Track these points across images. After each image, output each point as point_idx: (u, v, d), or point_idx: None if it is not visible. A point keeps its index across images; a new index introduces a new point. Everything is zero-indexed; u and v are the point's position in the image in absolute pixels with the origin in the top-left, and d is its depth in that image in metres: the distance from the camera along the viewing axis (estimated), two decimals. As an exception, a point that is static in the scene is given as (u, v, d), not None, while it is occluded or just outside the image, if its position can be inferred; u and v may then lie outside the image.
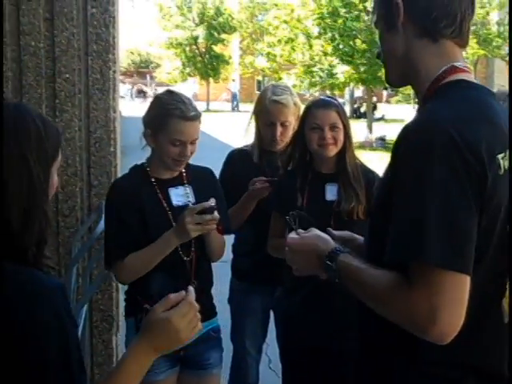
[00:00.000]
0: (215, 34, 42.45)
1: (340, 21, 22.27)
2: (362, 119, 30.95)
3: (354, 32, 21.98)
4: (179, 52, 43.02)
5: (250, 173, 3.17)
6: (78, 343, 1.47)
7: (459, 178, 1.46)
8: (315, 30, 22.64)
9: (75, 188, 3.87)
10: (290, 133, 3.33)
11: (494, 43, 47.29)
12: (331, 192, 3.03)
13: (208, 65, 42.87)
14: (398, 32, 1.71)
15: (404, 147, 1.56)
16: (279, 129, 3.29)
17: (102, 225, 3.48)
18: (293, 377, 3.19)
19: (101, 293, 3.92)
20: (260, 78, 48.57)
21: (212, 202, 2.62)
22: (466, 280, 1.47)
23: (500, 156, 1.55)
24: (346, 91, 25.78)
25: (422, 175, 1.48)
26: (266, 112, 3.31)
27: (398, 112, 33.10)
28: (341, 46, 22.27)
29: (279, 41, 24.22)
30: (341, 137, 2.99)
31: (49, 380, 1.35)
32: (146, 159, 2.83)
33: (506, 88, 4.17)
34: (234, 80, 46.13)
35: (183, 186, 2.79)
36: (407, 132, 1.59)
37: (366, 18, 21.99)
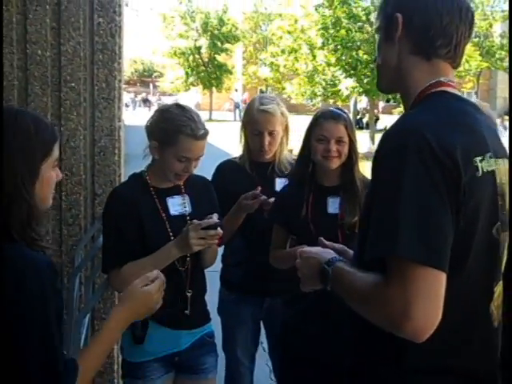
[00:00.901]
0: (218, 43, 42.52)
1: (343, 32, 22.37)
2: (365, 130, 31.00)
3: (357, 43, 22.06)
4: (182, 61, 43.08)
5: (241, 184, 3.17)
6: (61, 317, 1.65)
7: (433, 178, 1.50)
8: (319, 41, 22.72)
9: (79, 196, 3.88)
10: (278, 142, 3.35)
11: (497, 55, 47.36)
12: (333, 205, 3.02)
13: (211, 74, 42.91)
14: (393, 44, 1.77)
15: (382, 151, 1.62)
16: (267, 138, 3.30)
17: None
18: None
19: (103, 301, 3.92)
20: (263, 87, 48.69)
21: (215, 217, 2.66)
22: (441, 276, 1.49)
23: (478, 159, 1.60)
24: (351, 102, 25.76)
25: (397, 175, 1.52)
26: (254, 122, 3.32)
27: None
28: (344, 57, 22.35)
29: (282, 51, 24.32)
30: (345, 150, 2.99)
31: (27, 347, 1.53)
32: (146, 167, 2.83)
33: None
34: (236, 90, 46.19)
35: (181, 196, 2.81)
36: (385, 137, 1.64)
37: (369, 29, 22.07)
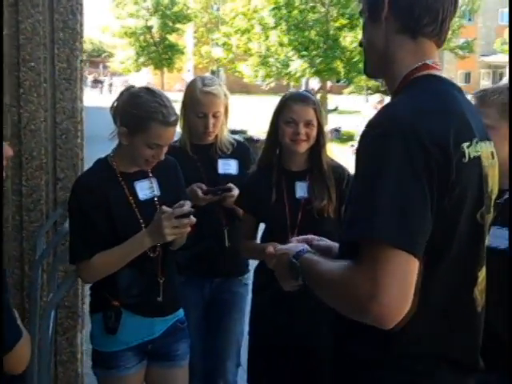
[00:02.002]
0: (170, 23, 42.03)
1: (295, 12, 22.31)
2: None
3: (309, 24, 22.04)
4: (133, 41, 42.48)
5: (183, 167, 3.00)
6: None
7: (415, 166, 1.48)
8: (271, 21, 22.61)
9: (40, 181, 3.73)
10: (220, 123, 3.30)
11: (445, 36, 48.24)
12: (301, 189, 2.98)
13: (162, 54, 42.42)
14: (380, 25, 1.74)
15: (366, 137, 1.60)
16: (211, 120, 3.25)
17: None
18: (259, 375, 3.16)
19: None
20: (214, 68, 48.40)
21: (187, 204, 2.59)
22: (413, 262, 1.45)
23: (465, 145, 1.59)
24: (302, 82, 25.79)
25: (380, 161, 1.51)
26: (198, 103, 3.24)
27: (351, 103, 33.27)
28: (296, 38, 22.31)
29: (236, 31, 24.13)
30: (314, 134, 2.94)
31: None
32: (112, 152, 2.74)
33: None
34: (189, 70, 45.82)
35: (148, 179, 2.73)
36: (371, 123, 1.61)
37: (321, 9, 22.08)
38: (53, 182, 3.79)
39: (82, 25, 3.75)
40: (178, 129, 3.02)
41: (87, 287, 3.87)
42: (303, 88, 34.35)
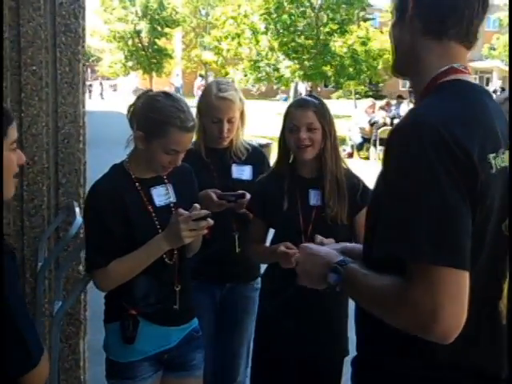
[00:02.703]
0: (158, 28, 41.95)
1: (285, 16, 22.35)
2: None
3: (299, 28, 22.08)
4: (121, 45, 42.35)
5: (197, 172, 3.00)
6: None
7: (450, 175, 1.46)
8: (261, 26, 22.64)
9: (42, 186, 3.68)
10: (236, 129, 3.29)
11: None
12: (315, 197, 2.96)
13: (151, 59, 42.33)
14: (406, 25, 1.71)
15: (394, 145, 1.56)
16: (226, 125, 3.23)
17: (73, 229, 3.33)
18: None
19: (68, 295, 3.75)
20: (203, 72, 48.30)
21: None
22: (466, 276, 1.46)
23: (491, 156, 1.55)
24: (291, 87, 25.84)
25: (412, 173, 1.48)
26: (213, 109, 3.23)
27: (340, 107, 33.32)
28: (286, 41, 22.35)
29: (226, 36, 24.13)
30: (318, 138, 2.90)
31: None
32: (127, 157, 2.70)
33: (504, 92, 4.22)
34: (178, 75, 45.73)
35: (164, 185, 2.71)
36: (398, 130, 1.58)
37: (312, 14, 22.12)
38: (54, 187, 3.73)
39: (84, 29, 3.71)
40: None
41: (90, 294, 3.84)
42: (292, 92, 34.36)
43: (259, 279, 3.45)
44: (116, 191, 2.58)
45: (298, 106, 2.93)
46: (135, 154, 2.66)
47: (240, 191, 3.14)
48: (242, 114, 3.31)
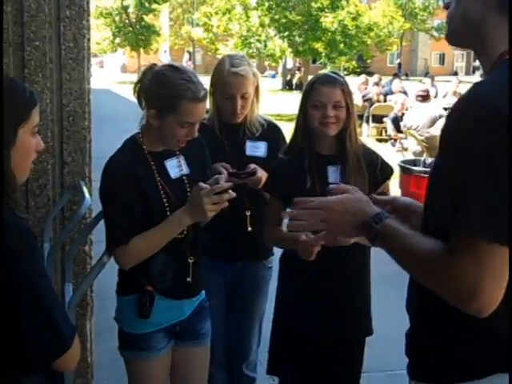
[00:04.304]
0: (146, 3, 41.49)
1: (277, -8, 22.19)
2: (295, 91, 31.02)
3: (291, 4, 21.91)
4: (109, 22, 41.92)
5: (210, 148, 2.98)
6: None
7: (502, 151, 1.44)
8: (252, 1, 22.45)
9: (46, 165, 3.60)
10: (250, 104, 3.22)
11: (419, 17, 48.36)
12: (334, 173, 2.90)
13: (139, 35, 41.92)
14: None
15: (454, 117, 1.56)
16: (240, 101, 3.16)
17: (83, 210, 3.26)
18: (281, 363, 3.09)
19: (75, 276, 3.69)
20: (190, 49, 48.00)
21: (222, 180, 2.58)
22: (507, 253, 1.46)
23: None
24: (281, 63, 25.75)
25: (469, 145, 1.47)
26: (226, 85, 3.16)
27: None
28: (277, 18, 22.20)
29: (216, 12, 23.92)
30: (343, 116, 2.85)
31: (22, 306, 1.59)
32: (140, 130, 2.69)
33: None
34: (165, 51, 45.41)
35: (176, 157, 2.70)
36: (459, 103, 1.57)
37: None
38: (60, 165, 3.66)
39: (88, 2, 3.61)
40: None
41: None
42: (280, 68, 34.22)
43: (271, 258, 3.41)
44: (131, 166, 2.58)
45: (326, 83, 2.86)
46: (148, 130, 2.64)
47: (251, 167, 3.07)
48: (256, 88, 3.23)
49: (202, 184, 2.53)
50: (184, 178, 2.69)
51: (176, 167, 2.69)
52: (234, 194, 2.53)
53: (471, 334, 1.63)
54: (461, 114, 1.53)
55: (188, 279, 2.70)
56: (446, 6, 1.76)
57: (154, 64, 2.70)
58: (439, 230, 1.54)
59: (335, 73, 3.02)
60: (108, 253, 2.57)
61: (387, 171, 2.99)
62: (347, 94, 2.87)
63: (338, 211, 1.78)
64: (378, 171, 2.92)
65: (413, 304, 1.81)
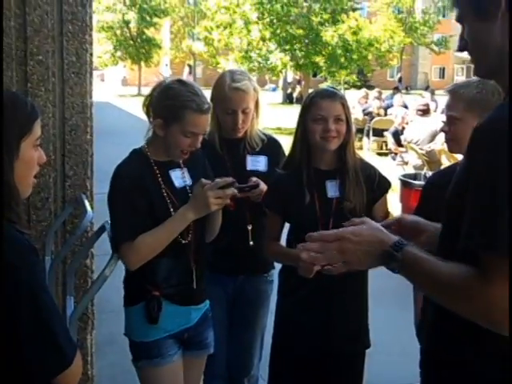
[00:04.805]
0: (147, 17, 41.70)
1: (278, 6, 22.27)
2: (296, 104, 31.09)
3: (291, 17, 22.01)
4: (110, 35, 42.11)
5: (212, 162, 3.01)
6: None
7: None
8: (253, 15, 22.55)
9: (48, 179, 3.61)
10: (250, 119, 3.23)
11: (419, 31, 48.52)
12: (332, 188, 2.91)
13: (140, 49, 42.10)
14: (495, 23, 1.59)
15: (480, 136, 1.55)
16: (241, 116, 3.18)
17: (85, 223, 3.27)
18: (281, 379, 3.09)
19: (76, 290, 3.69)
20: (191, 62, 48.15)
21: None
22: None
23: None
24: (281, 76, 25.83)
25: (496, 164, 1.46)
26: (227, 99, 3.18)
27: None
28: (278, 32, 22.29)
29: (217, 26, 24.01)
30: (343, 130, 2.86)
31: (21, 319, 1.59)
32: (145, 142, 2.79)
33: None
34: (167, 65, 45.57)
35: (180, 169, 2.81)
36: (485, 122, 1.56)
37: (304, 3, 22.05)
38: (61, 179, 3.67)
39: (91, 17, 3.63)
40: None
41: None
42: (281, 82, 34.33)
43: (272, 272, 3.42)
44: (137, 172, 2.69)
45: (327, 97, 2.87)
46: (153, 141, 2.75)
47: (253, 180, 3.08)
48: (256, 103, 3.25)
49: (203, 180, 2.65)
50: (188, 188, 2.78)
51: (180, 178, 2.78)
52: (235, 191, 2.65)
53: (486, 349, 1.64)
54: (488, 131, 1.53)
55: (192, 285, 2.76)
56: (462, 49, 1.74)
57: (164, 81, 2.78)
58: (466, 251, 1.52)
59: (333, 87, 3.04)
60: (115, 257, 2.61)
61: (385, 185, 2.99)
62: (346, 108, 2.88)
63: (355, 242, 1.72)
64: (376, 185, 2.92)
65: (428, 318, 1.81)
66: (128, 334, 2.80)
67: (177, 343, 2.80)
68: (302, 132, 2.92)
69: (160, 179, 2.72)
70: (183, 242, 2.72)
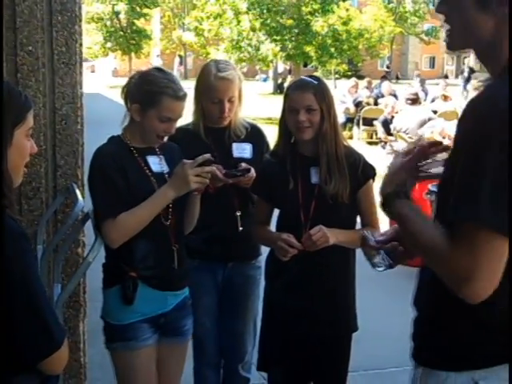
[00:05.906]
0: (137, 8, 41.53)
1: (268, -4, 22.26)
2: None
3: (282, 8, 21.99)
4: (100, 26, 41.92)
5: (197, 153, 3.03)
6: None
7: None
8: (243, 6, 22.50)
9: (39, 168, 3.63)
10: (236, 107, 3.28)
11: (410, 21, 48.54)
12: (316, 175, 2.96)
13: (130, 40, 41.94)
14: (491, 14, 1.63)
15: (468, 115, 1.60)
16: (227, 105, 3.22)
17: (76, 212, 3.30)
18: (270, 361, 3.14)
19: (67, 278, 3.72)
20: (182, 53, 48.02)
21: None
22: (506, 243, 1.51)
23: None
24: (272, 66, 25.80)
25: (481, 144, 1.51)
26: (213, 89, 3.21)
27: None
28: (268, 22, 22.26)
29: (208, 16, 23.96)
30: (317, 119, 2.90)
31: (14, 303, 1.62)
32: (122, 130, 2.88)
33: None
34: (158, 55, 45.42)
35: (157, 155, 2.88)
36: (471, 105, 1.61)
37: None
38: (52, 169, 3.69)
39: (80, 7, 3.65)
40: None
41: (88, 277, 3.82)
42: (271, 72, 34.22)
43: (260, 258, 3.46)
44: (117, 154, 2.77)
45: (297, 88, 2.93)
46: (130, 127, 2.84)
47: (243, 165, 3.13)
48: (239, 92, 3.29)
49: (185, 160, 2.72)
50: (165, 174, 2.84)
51: (157, 163, 2.85)
52: (214, 168, 2.77)
53: (480, 324, 1.68)
54: (475, 110, 1.58)
55: (173, 265, 2.81)
56: (446, 21, 1.75)
57: (142, 70, 2.87)
58: (452, 221, 1.59)
59: (312, 76, 3.07)
60: (99, 241, 2.65)
61: (369, 172, 3.02)
62: (320, 96, 2.89)
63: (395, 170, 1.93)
64: (360, 172, 2.96)
65: (424, 292, 1.85)
66: (104, 316, 2.83)
67: (152, 327, 2.82)
68: (284, 123, 2.99)
69: (140, 162, 2.79)
70: (165, 223, 2.78)
